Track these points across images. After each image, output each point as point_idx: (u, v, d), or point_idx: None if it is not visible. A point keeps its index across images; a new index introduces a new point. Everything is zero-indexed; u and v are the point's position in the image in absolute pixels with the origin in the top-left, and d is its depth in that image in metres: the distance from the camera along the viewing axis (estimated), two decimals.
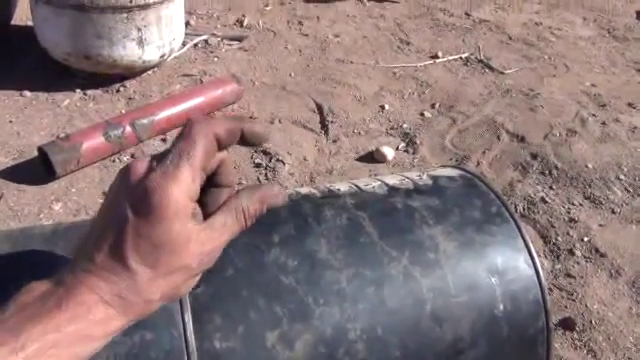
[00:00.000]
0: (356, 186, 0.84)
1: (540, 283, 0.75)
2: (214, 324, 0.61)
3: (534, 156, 1.76)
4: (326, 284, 0.66)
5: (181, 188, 0.41)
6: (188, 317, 0.60)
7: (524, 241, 0.77)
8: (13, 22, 2.34)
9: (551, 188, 1.63)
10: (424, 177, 0.86)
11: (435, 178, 0.85)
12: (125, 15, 1.79)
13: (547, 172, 1.69)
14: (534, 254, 0.76)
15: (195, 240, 0.43)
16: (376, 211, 0.76)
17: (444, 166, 1.05)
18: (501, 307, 0.72)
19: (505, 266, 0.73)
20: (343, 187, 0.83)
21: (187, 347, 0.59)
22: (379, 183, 0.84)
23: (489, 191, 0.82)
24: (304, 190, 0.82)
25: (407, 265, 0.70)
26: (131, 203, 0.41)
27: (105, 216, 0.43)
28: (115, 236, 0.41)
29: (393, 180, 0.85)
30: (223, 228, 0.46)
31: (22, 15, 2.33)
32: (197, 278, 0.47)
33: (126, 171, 0.43)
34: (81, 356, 0.39)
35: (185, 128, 0.44)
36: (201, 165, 0.44)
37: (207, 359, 0.59)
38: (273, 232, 0.70)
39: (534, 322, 0.73)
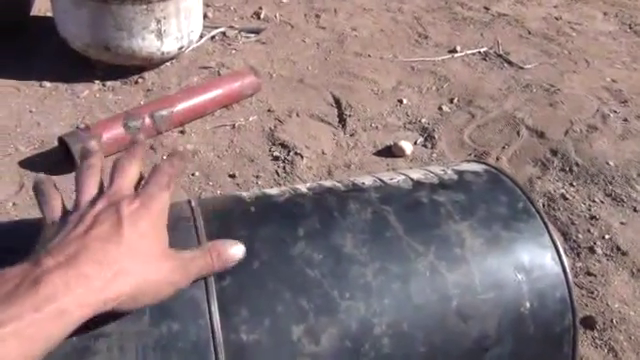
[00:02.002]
0: (380, 180, 0.83)
1: (567, 281, 0.74)
2: (240, 316, 0.61)
3: (554, 152, 1.74)
4: (352, 278, 0.66)
5: (165, 202, 0.54)
6: (214, 308, 0.60)
7: (551, 238, 0.76)
8: (32, 13, 2.35)
9: (571, 185, 1.61)
10: (449, 172, 0.85)
11: (460, 173, 0.84)
12: (145, 7, 1.79)
13: (567, 169, 1.67)
14: (561, 251, 0.75)
15: (167, 248, 0.52)
16: (401, 205, 0.75)
17: (468, 161, 1.04)
18: (527, 305, 0.71)
19: (532, 263, 0.72)
20: (367, 181, 0.83)
21: (214, 339, 0.58)
22: (403, 177, 0.83)
23: (515, 187, 0.81)
24: (327, 183, 0.82)
25: (433, 260, 0.69)
26: (125, 203, 0.50)
27: (92, 210, 0.49)
28: (115, 221, 0.48)
29: (417, 174, 0.84)
30: (192, 260, 0.54)
31: (41, 6, 2.35)
32: (167, 290, 0.52)
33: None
34: (57, 336, 0.41)
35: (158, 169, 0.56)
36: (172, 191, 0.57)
37: (233, 351, 0.59)
38: (298, 225, 0.70)
39: (560, 320, 0.72)
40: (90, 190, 0.52)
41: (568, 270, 0.75)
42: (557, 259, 0.75)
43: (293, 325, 0.62)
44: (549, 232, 0.77)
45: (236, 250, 0.57)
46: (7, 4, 2.10)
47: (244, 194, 0.78)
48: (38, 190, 0.55)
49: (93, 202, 0.50)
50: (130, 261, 0.46)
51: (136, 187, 0.55)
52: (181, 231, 0.64)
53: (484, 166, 0.88)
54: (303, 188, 0.80)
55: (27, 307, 0.39)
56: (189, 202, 0.72)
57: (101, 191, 0.53)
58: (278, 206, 0.75)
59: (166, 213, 0.54)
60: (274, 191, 0.80)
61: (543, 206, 1.52)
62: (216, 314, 0.60)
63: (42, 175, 0.57)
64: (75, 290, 0.41)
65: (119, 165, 0.55)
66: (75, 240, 0.45)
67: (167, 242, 0.53)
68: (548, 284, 0.73)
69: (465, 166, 0.89)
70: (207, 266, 0.55)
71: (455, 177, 0.84)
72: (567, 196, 1.56)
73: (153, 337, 0.57)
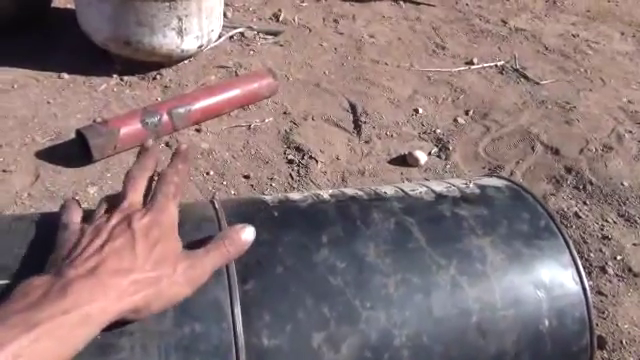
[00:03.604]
0: (402, 190, 0.83)
1: (587, 301, 0.74)
2: (263, 321, 0.61)
3: (569, 170, 1.73)
4: (374, 288, 0.66)
5: (173, 211, 0.58)
6: (237, 311, 0.60)
7: (572, 257, 0.76)
8: (53, 5, 2.37)
9: (585, 203, 1.61)
10: (471, 185, 0.86)
11: (482, 187, 0.84)
12: (167, 4, 1.80)
13: (581, 187, 1.66)
14: (582, 271, 0.75)
15: (180, 249, 0.55)
16: (424, 217, 0.75)
17: (490, 175, 1.04)
18: (546, 323, 0.71)
19: (552, 281, 0.73)
20: (389, 190, 0.83)
21: (236, 342, 0.59)
22: (425, 189, 0.84)
23: (537, 204, 0.81)
24: (350, 191, 0.82)
25: (455, 274, 0.69)
26: (136, 217, 0.55)
27: (105, 226, 0.55)
28: (128, 233, 0.53)
29: (439, 187, 0.85)
30: (206, 255, 0.56)
31: None
32: (183, 291, 0.54)
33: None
34: (84, 338, 0.45)
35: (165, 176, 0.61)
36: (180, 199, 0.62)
37: (254, 355, 0.59)
38: (322, 232, 0.70)
39: (578, 340, 0.72)
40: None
41: (588, 290, 0.75)
42: (577, 278, 0.75)
43: (314, 332, 0.62)
44: (570, 251, 0.77)
45: (247, 233, 0.60)
46: None
47: (267, 198, 0.79)
48: (64, 207, 0.60)
49: (108, 216, 0.55)
50: (143, 270, 0.50)
51: (147, 194, 0.60)
52: (204, 232, 0.65)
53: (506, 182, 0.88)
54: (325, 195, 0.80)
55: (57, 311, 0.43)
56: (212, 203, 0.73)
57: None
58: (301, 212, 0.75)
59: (176, 221, 0.57)
60: (297, 196, 0.80)
61: None
62: (239, 317, 0.60)
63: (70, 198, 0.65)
64: (97, 298, 0.46)
65: (130, 177, 0.60)
66: (94, 254, 0.49)
67: (180, 247, 0.56)
68: (568, 303, 0.73)
69: (487, 181, 0.89)
70: (222, 256, 0.57)
71: (477, 191, 0.84)
72: (580, 214, 1.56)
73: (176, 337, 0.58)
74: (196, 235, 0.66)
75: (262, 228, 0.67)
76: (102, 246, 0.51)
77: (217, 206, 0.71)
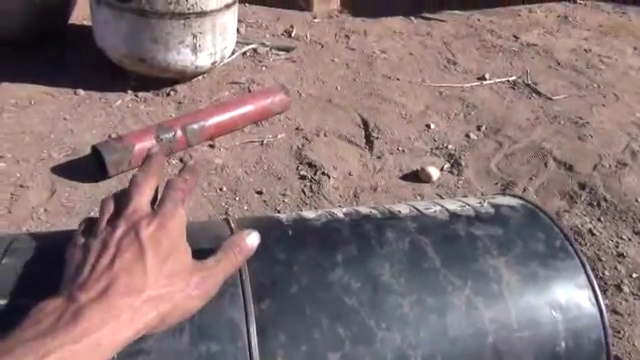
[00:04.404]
0: (416, 209, 0.83)
1: (603, 323, 0.73)
2: (278, 341, 0.61)
3: (582, 186, 1.72)
4: (389, 308, 0.66)
5: (181, 218, 0.55)
6: (253, 330, 0.61)
7: (588, 278, 0.75)
8: (70, 21, 2.41)
9: (599, 220, 1.59)
10: (485, 204, 0.85)
11: (497, 207, 0.84)
12: (182, 22, 1.83)
13: (595, 204, 1.65)
14: (598, 292, 0.75)
15: (191, 261, 0.53)
16: (439, 237, 0.75)
17: (504, 194, 1.04)
18: (563, 344, 0.70)
19: (568, 303, 0.72)
20: (403, 209, 0.83)
21: None
22: (439, 208, 0.84)
23: (552, 224, 0.81)
24: (364, 210, 0.82)
25: (470, 295, 0.69)
26: (149, 228, 0.51)
27: (113, 240, 0.51)
28: (136, 246, 0.50)
29: (453, 206, 0.85)
30: (216, 266, 0.55)
31: (79, 15, 2.40)
32: (197, 304, 0.53)
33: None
34: None
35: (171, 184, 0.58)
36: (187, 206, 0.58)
37: None
38: (336, 251, 0.70)
39: None
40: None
41: (605, 311, 0.74)
42: (594, 299, 0.74)
43: (330, 352, 0.62)
44: (586, 272, 0.76)
45: (253, 238, 0.59)
46: (46, 12, 2.16)
47: (282, 216, 0.79)
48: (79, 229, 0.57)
49: (113, 225, 0.52)
50: (155, 287, 0.49)
51: (153, 201, 0.57)
52: None
53: (520, 201, 0.88)
54: (340, 213, 0.81)
55: (68, 339, 0.42)
56: (227, 221, 0.73)
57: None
58: (316, 230, 0.75)
59: (184, 228, 0.55)
60: (311, 214, 0.80)
61: None
62: (254, 337, 0.60)
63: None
64: (109, 323, 0.45)
65: (136, 182, 0.57)
66: (103, 274, 0.48)
67: (190, 256, 0.54)
68: (584, 324, 0.73)
69: (501, 199, 0.88)
70: (232, 264, 0.56)
71: (492, 211, 0.84)
72: (594, 232, 1.55)
73: (192, 357, 0.58)
74: (211, 254, 0.66)
75: (277, 247, 0.67)
76: (111, 262, 0.48)
77: (232, 225, 0.72)
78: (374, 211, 0.81)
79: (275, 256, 0.66)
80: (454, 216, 0.81)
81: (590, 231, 1.55)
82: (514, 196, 0.91)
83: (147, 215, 0.53)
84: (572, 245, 0.78)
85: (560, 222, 0.77)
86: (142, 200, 0.56)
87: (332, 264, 0.69)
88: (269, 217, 0.79)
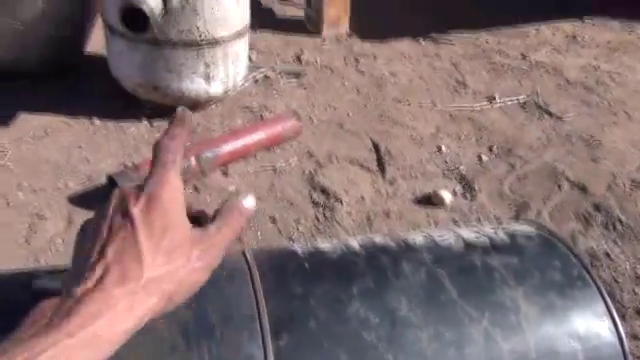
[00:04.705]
0: (431, 239, 0.84)
1: (624, 351, 0.72)
2: None
3: (597, 207, 1.72)
4: (407, 343, 0.66)
5: (173, 183, 0.48)
6: None
7: (607, 306, 0.75)
8: (86, 51, 2.46)
9: (615, 243, 1.58)
10: (500, 233, 0.85)
11: (512, 235, 0.84)
12: (195, 52, 1.86)
13: (611, 226, 1.64)
14: (617, 321, 0.74)
15: (190, 231, 0.48)
16: (455, 268, 0.75)
17: (518, 221, 1.04)
18: None
19: (588, 332, 0.72)
20: (418, 239, 0.83)
21: None
22: (455, 237, 0.84)
23: (569, 252, 0.80)
24: (379, 240, 0.82)
25: (488, 327, 0.69)
26: (137, 205, 0.46)
27: (105, 224, 0.46)
28: (127, 228, 0.45)
29: (468, 234, 0.85)
30: (217, 234, 0.49)
31: (94, 45, 2.45)
32: (202, 277, 0.48)
33: (118, 192, 0.47)
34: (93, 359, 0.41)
35: (160, 146, 0.50)
36: (180, 167, 0.50)
37: None
38: (352, 284, 0.71)
39: None
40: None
41: (625, 340, 0.74)
42: (613, 328, 0.74)
43: None
44: (605, 300, 0.76)
45: (249, 201, 0.52)
46: (62, 44, 2.20)
47: (297, 248, 0.80)
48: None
49: (104, 208, 0.47)
50: (154, 268, 0.44)
51: None
52: (237, 284, 0.66)
53: (535, 228, 0.88)
54: (355, 244, 0.81)
55: (62, 335, 0.40)
56: (244, 254, 0.74)
57: None
58: (332, 263, 0.76)
59: (178, 195, 0.48)
60: (326, 246, 0.81)
61: None
62: None
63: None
64: (105, 314, 0.42)
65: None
66: (97, 263, 0.44)
67: (188, 226, 0.48)
68: (604, 353, 0.72)
69: (516, 227, 0.88)
70: (233, 231, 0.51)
71: (507, 239, 0.84)
72: (611, 254, 1.53)
73: None
74: (229, 288, 0.67)
75: (294, 281, 0.68)
76: (103, 249, 0.44)
77: (249, 258, 0.72)
78: (389, 241, 0.82)
79: (292, 290, 0.66)
80: (469, 246, 0.81)
81: (606, 254, 1.53)
82: (529, 223, 0.91)
83: (134, 189, 0.47)
84: (589, 273, 0.78)
85: (577, 249, 0.77)
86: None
87: (349, 297, 0.69)
88: (285, 249, 0.80)
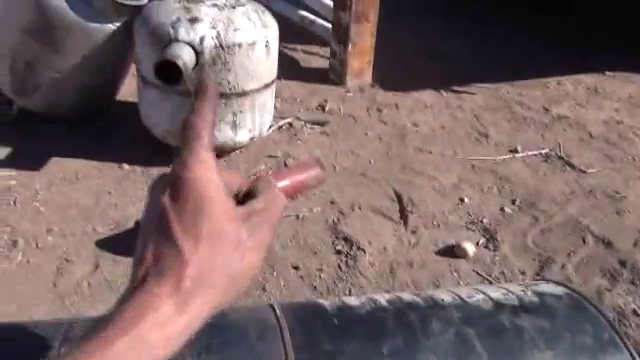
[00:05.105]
0: (459, 297, 0.84)
1: None
2: None
3: (623, 263, 1.69)
4: None
5: (202, 162, 0.42)
6: None
7: None
8: (117, 98, 2.55)
9: None
10: (529, 293, 0.85)
11: (541, 296, 0.84)
12: (224, 101, 1.92)
13: (638, 282, 1.62)
14: None
15: (233, 209, 0.42)
16: (484, 328, 0.75)
17: (546, 280, 1.03)
18: None
19: None
20: (446, 297, 0.84)
21: None
22: (483, 296, 0.84)
23: (599, 315, 0.80)
24: (407, 297, 0.83)
25: None
26: (165, 193, 0.41)
27: (145, 224, 0.42)
28: (158, 221, 0.40)
29: (496, 293, 0.85)
30: (265, 205, 0.44)
31: (125, 93, 2.54)
32: (257, 257, 0.43)
33: (152, 184, 0.44)
34: None
35: (187, 122, 0.46)
36: (211, 143, 0.45)
37: None
38: (382, 343, 0.71)
39: None
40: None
41: None
42: None
43: None
44: None
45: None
46: (95, 90, 2.29)
47: (325, 303, 0.80)
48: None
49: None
50: (197, 257, 0.39)
51: None
52: (268, 342, 0.67)
53: (564, 289, 0.88)
54: (383, 300, 0.82)
55: (101, 344, 0.36)
56: (272, 308, 0.75)
57: None
58: (361, 320, 0.76)
59: (210, 168, 0.42)
60: (354, 301, 0.82)
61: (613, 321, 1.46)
62: None
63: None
64: (148, 316, 0.37)
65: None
66: (140, 262, 0.39)
67: (230, 203, 0.42)
68: None
69: (544, 287, 0.88)
70: (280, 206, 0.46)
71: (536, 300, 0.83)
72: (638, 312, 1.50)
73: None
74: (261, 346, 0.68)
75: (323, 337, 0.69)
76: (144, 246, 0.39)
77: (279, 313, 0.73)
78: (417, 299, 0.82)
79: (322, 347, 0.67)
80: (498, 305, 0.81)
81: (634, 312, 1.51)
82: (557, 284, 0.90)
83: (163, 177, 0.42)
84: (622, 338, 0.77)
85: (607, 313, 0.76)
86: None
87: (379, 356, 0.70)
88: (313, 304, 0.81)
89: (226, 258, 0.40)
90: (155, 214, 0.40)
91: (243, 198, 0.45)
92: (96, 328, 0.37)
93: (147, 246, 0.39)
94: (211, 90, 0.48)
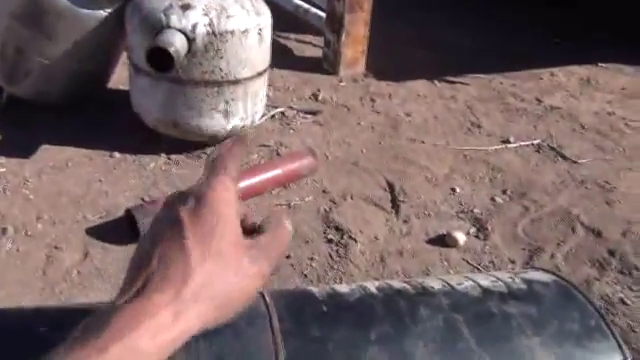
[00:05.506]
0: (448, 284, 0.84)
1: None
2: None
3: (612, 253, 1.71)
4: None
5: (225, 186, 0.44)
6: None
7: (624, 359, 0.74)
8: (109, 86, 2.53)
9: (631, 289, 1.57)
10: (517, 280, 0.86)
11: (529, 282, 0.84)
12: (216, 89, 1.91)
13: (627, 271, 1.63)
14: None
15: (241, 236, 0.44)
16: (472, 315, 0.76)
17: (535, 268, 1.04)
18: None
19: None
20: (435, 284, 0.84)
21: None
22: (471, 283, 0.84)
23: (587, 302, 0.81)
24: (396, 284, 0.83)
25: None
26: (185, 205, 0.42)
27: (154, 232, 0.43)
28: (172, 229, 0.41)
29: (485, 281, 0.85)
30: (270, 241, 0.46)
31: (116, 80, 2.52)
32: (255, 284, 0.44)
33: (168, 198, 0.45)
34: None
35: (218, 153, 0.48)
36: (236, 175, 0.47)
37: None
38: (370, 329, 0.71)
39: None
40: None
41: None
42: None
43: None
44: (623, 353, 0.76)
45: (289, 224, 0.50)
46: (85, 78, 2.27)
47: (315, 290, 0.81)
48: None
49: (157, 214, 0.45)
50: (202, 272, 0.40)
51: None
52: (257, 328, 0.67)
53: (553, 277, 0.88)
54: (372, 287, 0.82)
55: (92, 350, 0.36)
56: (262, 295, 0.75)
57: None
58: (350, 307, 0.77)
59: (231, 200, 0.44)
60: (344, 289, 0.82)
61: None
62: None
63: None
64: (144, 323, 0.37)
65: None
66: (142, 269, 0.40)
67: (239, 231, 0.44)
68: None
69: (533, 275, 0.89)
70: (283, 246, 0.47)
71: (524, 287, 0.84)
72: (626, 301, 1.52)
73: None
74: (250, 332, 0.68)
75: (312, 324, 0.69)
76: (149, 255, 0.40)
77: (268, 300, 0.73)
78: (407, 286, 0.82)
79: (310, 334, 0.67)
80: (486, 292, 0.82)
81: (622, 300, 1.52)
82: (546, 271, 0.91)
83: (185, 191, 0.44)
84: (608, 325, 0.78)
85: (593, 298, 0.77)
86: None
87: (366, 342, 0.70)
88: (303, 291, 0.81)
89: (227, 278, 0.42)
90: (168, 222, 0.42)
91: (251, 229, 0.47)
92: (90, 329, 0.37)
93: (154, 252, 0.40)
94: (244, 139, 0.53)
